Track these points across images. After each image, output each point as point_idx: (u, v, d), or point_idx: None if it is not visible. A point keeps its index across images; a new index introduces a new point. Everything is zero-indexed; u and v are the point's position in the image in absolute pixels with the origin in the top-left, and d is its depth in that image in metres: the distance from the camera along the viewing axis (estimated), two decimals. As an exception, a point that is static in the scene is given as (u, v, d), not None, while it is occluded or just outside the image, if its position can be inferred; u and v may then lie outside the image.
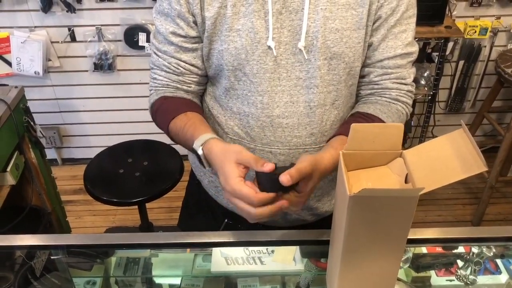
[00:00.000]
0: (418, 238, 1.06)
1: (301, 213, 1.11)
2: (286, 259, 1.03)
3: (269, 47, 0.91)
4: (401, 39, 0.96)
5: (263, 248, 1.05)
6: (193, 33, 0.96)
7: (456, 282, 0.99)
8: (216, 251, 1.05)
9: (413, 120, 2.65)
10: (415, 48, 0.99)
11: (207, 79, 1.06)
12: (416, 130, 2.68)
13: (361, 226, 0.68)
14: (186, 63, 0.99)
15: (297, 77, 0.94)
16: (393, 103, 1.01)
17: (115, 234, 1.16)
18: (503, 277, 1.00)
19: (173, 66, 1.00)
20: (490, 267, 1.02)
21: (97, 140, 2.81)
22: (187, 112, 0.97)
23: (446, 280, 1.00)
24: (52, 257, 1.08)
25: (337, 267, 0.76)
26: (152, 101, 1.04)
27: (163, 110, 1.01)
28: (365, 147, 0.74)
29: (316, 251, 1.04)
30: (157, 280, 1.06)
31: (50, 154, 2.76)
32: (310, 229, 1.07)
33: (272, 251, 1.05)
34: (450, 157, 0.69)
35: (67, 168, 2.87)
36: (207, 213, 1.21)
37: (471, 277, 1.01)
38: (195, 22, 0.95)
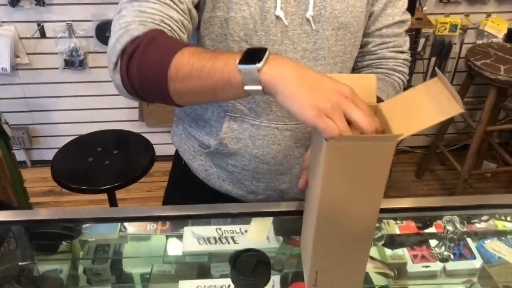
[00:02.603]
0: (391, 207, 1.05)
1: (298, 192, 1.08)
2: (260, 237, 1.01)
3: (277, 17, 0.87)
4: (398, 6, 0.98)
5: (236, 228, 1.03)
6: None
7: (432, 268, 0.99)
8: (187, 231, 1.02)
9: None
10: (409, 16, 1.02)
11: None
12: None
13: (338, 175, 0.66)
14: (186, 4, 0.83)
15: (304, 49, 0.92)
16: (389, 74, 1.02)
17: (82, 209, 1.12)
18: (477, 263, 1.01)
19: (178, 1, 0.80)
20: (465, 253, 1.03)
21: (68, 140, 2.75)
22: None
23: (422, 267, 1.00)
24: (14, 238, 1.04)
25: (313, 225, 0.74)
26: (137, 33, 0.73)
27: (166, 42, 0.74)
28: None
29: (291, 229, 1.02)
30: (128, 268, 1.02)
31: (19, 155, 2.66)
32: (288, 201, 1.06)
33: (245, 231, 1.02)
34: (425, 103, 0.68)
35: (37, 170, 2.78)
36: (195, 199, 1.15)
37: (445, 253, 1.02)
38: None
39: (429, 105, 0.66)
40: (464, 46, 2.60)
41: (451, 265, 1.01)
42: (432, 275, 1.00)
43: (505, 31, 2.47)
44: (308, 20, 0.89)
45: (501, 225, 1.11)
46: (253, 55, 0.65)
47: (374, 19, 0.98)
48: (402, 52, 1.04)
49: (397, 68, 1.03)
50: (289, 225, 1.04)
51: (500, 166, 2.79)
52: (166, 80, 0.71)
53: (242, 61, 0.65)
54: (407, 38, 1.05)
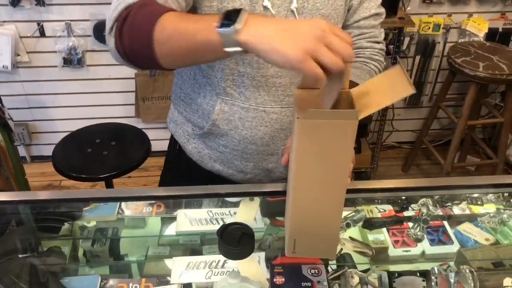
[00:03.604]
0: (370, 188, 1.15)
1: (284, 171, 1.16)
2: (247, 218, 1.07)
3: (265, 8, 0.95)
4: (374, 0, 1.08)
5: (225, 210, 1.11)
6: None
7: (412, 253, 1.05)
8: (180, 213, 1.10)
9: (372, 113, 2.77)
10: (383, 10, 1.12)
11: None
12: (376, 124, 2.80)
13: (309, 148, 0.75)
14: None
15: None
16: (366, 63, 1.11)
17: (82, 190, 1.20)
18: (455, 247, 1.07)
19: None
20: (443, 239, 1.09)
21: (67, 136, 2.83)
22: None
23: (403, 251, 1.06)
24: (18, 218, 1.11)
25: (290, 196, 0.82)
26: (130, 1, 0.78)
27: (155, 7, 0.78)
28: (317, 85, 0.81)
29: (277, 211, 1.08)
30: (125, 248, 1.08)
31: (19, 151, 2.72)
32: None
33: (234, 213, 1.10)
34: (384, 88, 0.78)
35: (36, 166, 2.86)
36: (188, 180, 1.23)
37: (419, 233, 1.09)
38: None
39: (387, 89, 0.77)
40: (447, 45, 2.69)
41: (429, 250, 1.07)
42: (411, 259, 1.05)
43: (485, 30, 2.57)
44: (292, 11, 0.98)
45: (471, 208, 1.18)
46: (230, 17, 0.68)
47: (352, 12, 1.08)
48: (378, 42, 1.13)
49: (373, 57, 1.12)
50: (275, 208, 1.10)
51: (484, 160, 2.89)
52: (152, 40, 0.74)
53: (220, 24, 0.68)
54: (382, 30, 1.15)
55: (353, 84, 1.00)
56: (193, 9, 0.98)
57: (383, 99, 0.76)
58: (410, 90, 0.72)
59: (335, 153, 0.76)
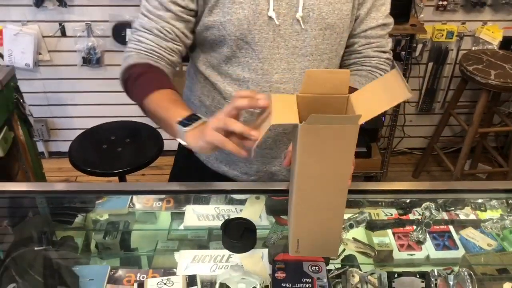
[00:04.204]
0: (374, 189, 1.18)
1: (287, 174, 1.19)
2: (253, 215, 1.10)
3: (270, 18, 0.98)
4: (381, 11, 1.09)
5: (232, 207, 1.14)
6: (191, 5, 1.01)
7: (417, 257, 1.06)
8: (189, 208, 1.13)
9: (384, 118, 2.79)
10: (391, 20, 1.13)
11: (186, 53, 1.12)
12: (387, 130, 2.82)
13: (311, 152, 0.77)
14: (179, 30, 1.03)
15: (294, 46, 1.02)
16: (372, 71, 1.13)
17: (96, 183, 1.24)
18: (460, 253, 1.07)
19: (166, 30, 1.02)
20: (448, 244, 1.09)
21: (84, 133, 2.89)
22: (167, 89, 1.02)
23: (408, 255, 1.06)
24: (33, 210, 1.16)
25: (293, 198, 0.84)
26: (132, 62, 1.02)
27: (146, 81, 1.01)
28: (317, 91, 0.84)
29: (282, 209, 1.10)
30: (135, 241, 1.11)
31: (38, 147, 2.80)
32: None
33: (240, 210, 1.12)
34: (382, 93, 0.80)
35: (53, 161, 2.94)
36: (195, 179, 1.26)
37: (421, 236, 1.10)
38: None
39: (385, 94, 0.79)
40: (460, 53, 2.69)
41: (434, 254, 1.07)
42: (416, 263, 1.05)
43: (500, 39, 2.57)
44: (298, 20, 1.01)
45: (474, 213, 1.19)
46: (190, 120, 0.91)
47: (359, 21, 1.09)
48: (384, 52, 1.15)
49: (379, 66, 1.14)
50: (280, 206, 1.12)
51: (495, 168, 2.87)
52: (143, 108, 1.01)
53: (180, 121, 0.91)
54: (390, 40, 1.17)
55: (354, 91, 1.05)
56: (197, 24, 1.03)
57: (381, 104, 0.78)
58: (407, 94, 0.74)
59: (336, 157, 0.78)
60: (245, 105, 0.83)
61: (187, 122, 0.91)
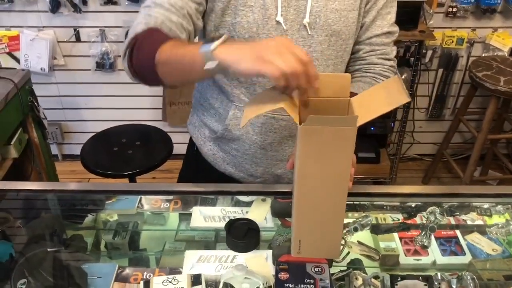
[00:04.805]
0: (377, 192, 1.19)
1: (292, 178, 1.18)
2: (258, 218, 1.12)
3: (278, 22, 1.01)
4: (387, 19, 1.11)
5: (238, 209, 1.16)
6: None
7: (423, 262, 1.06)
8: (196, 210, 1.16)
9: (394, 124, 2.79)
10: (396, 28, 1.15)
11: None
12: (397, 135, 2.82)
13: (311, 153, 0.79)
14: (191, 9, 0.99)
15: None
16: (376, 78, 1.13)
17: (106, 183, 1.28)
18: (467, 258, 1.07)
19: (178, 5, 0.97)
20: (455, 249, 1.10)
21: (97, 137, 2.94)
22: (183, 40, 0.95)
23: (414, 260, 1.07)
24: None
25: (295, 199, 0.85)
26: (140, 31, 0.94)
27: (157, 37, 0.92)
28: (320, 94, 0.87)
29: (287, 212, 1.11)
30: (143, 241, 1.14)
31: (52, 149, 2.85)
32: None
33: (247, 212, 1.15)
34: (382, 97, 0.82)
35: (67, 163, 2.99)
36: (203, 180, 1.28)
37: (425, 240, 1.11)
38: None
39: (385, 98, 0.81)
40: (471, 59, 2.69)
41: (441, 260, 1.07)
42: (422, 268, 1.06)
43: (510, 45, 2.56)
44: (304, 26, 1.03)
45: (480, 218, 1.19)
46: (212, 41, 0.82)
47: (365, 29, 1.11)
48: (388, 59, 1.16)
49: (383, 73, 1.15)
50: (285, 208, 1.14)
51: (506, 175, 2.86)
52: (154, 64, 0.89)
53: (202, 47, 0.82)
54: (394, 48, 1.19)
55: None
56: (208, 22, 1.04)
57: (380, 107, 0.81)
58: (406, 99, 0.77)
59: (336, 158, 0.79)
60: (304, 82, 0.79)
61: (208, 44, 0.83)
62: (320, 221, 0.87)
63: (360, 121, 0.78)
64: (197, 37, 1.11)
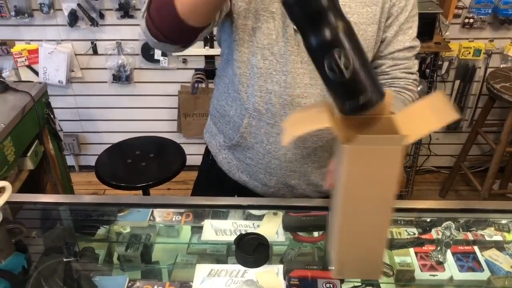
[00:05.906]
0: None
1: (306, 189, 1.21)
2: (270, 232, 1.12)
3: (296, 31, 1.00)
4: (409, 34, 1.10)
5: (249, 223, 1.16)
6: None
7: (439, 277, 1.05)
8: (207, 223, 1.16)
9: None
10: (418, 43, 1.14)
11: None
12: (413, 148, 2.78)
13: (358, 174, 0.76)
14: None
15: None
16: (401, 92, 1.12)
17: (118, 196, 1.28)
18: (485, 275, 1.06)
19: None
20: (473, 266, 1.08)
21: (112, 148, 2.97)
22: None
23: (430, 275, 1.05)
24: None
25: (338, 221, 0.81)
26: None
27: None
28: None
29: (299, 226, 1.13)
30: (155, 254, 1.14)
31: (69, 160, 2.91)
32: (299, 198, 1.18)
33: (258, 225, 1.15)
34: (427, 113, 0.78)
35: (83, 174, 3.03)
36: (217, 189, 1.31)
37: (440, 256, 1.10)
38: None
39: (431, 114, 0.77)
40: (488, 70, 2.66)
41: (458, 276, 1.05)
42: (438, 284, 1.05)
43: (529, 57, 2.53)
44: None
45: (499, 233, 1.17)
46: None
47: (387, 44, 1.10)
48: (412, 73, 1.15)
49: (407, 87, 1.14)
50: (297, 223, 1.14)
51: (526, 188, 2.80)
52: (176, 6, 0.83)
53: None
54: (416, 61, 1.17)
55: None
56: (230, 23, 1.04)
57: (428, 124, 0.77)
58: (455, 115, 0.73)
59: (382, 178, 0.76)
60: None
61: None
62: (365, 242, 0.84)
63: (410, 140, 0.74)
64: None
